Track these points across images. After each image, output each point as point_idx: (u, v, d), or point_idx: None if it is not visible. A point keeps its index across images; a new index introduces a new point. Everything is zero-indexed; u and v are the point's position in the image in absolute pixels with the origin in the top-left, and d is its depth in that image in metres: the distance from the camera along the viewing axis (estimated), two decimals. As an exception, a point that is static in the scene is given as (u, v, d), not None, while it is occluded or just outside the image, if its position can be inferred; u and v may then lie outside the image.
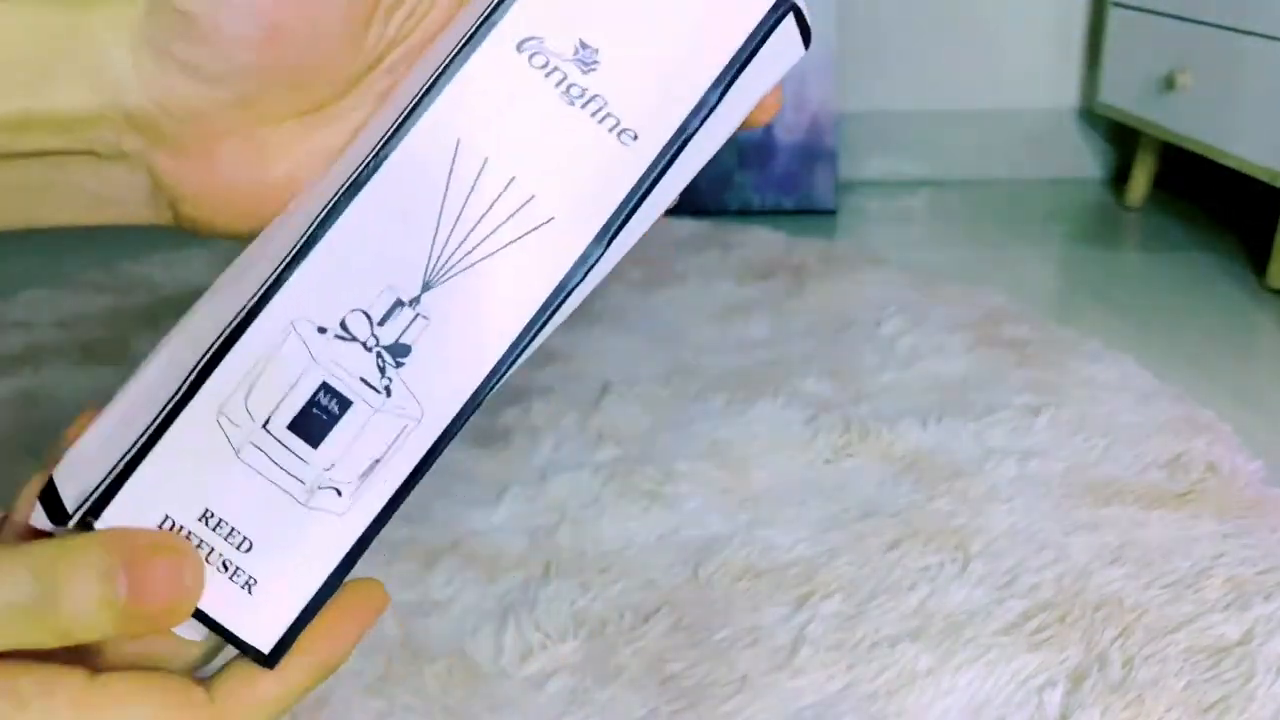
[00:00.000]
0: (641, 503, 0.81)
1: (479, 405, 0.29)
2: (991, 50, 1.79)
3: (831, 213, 1.65)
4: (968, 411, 0.94)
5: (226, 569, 0.28)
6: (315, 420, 0.28)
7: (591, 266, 0.29)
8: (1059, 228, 1.62)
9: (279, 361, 0.28)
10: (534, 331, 0.29)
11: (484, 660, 0.64)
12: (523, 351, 0.29)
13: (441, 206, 0.29)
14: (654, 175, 0.30)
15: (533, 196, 0.29)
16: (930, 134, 1.81)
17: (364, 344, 0.28)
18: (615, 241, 0.30)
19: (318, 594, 0.28)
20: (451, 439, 0.29)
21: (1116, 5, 1.61)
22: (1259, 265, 1.36)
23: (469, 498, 0.81)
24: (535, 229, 0.29)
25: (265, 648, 0.28)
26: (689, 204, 1.56)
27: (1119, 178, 1.80)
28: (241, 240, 0.31)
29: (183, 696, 0.27)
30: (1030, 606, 0.68)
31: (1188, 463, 0.85)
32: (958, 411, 0.94)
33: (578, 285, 0.29)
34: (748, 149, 1.65)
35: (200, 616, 0.27)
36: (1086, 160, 1.84)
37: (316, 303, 0.28)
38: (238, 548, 0.28)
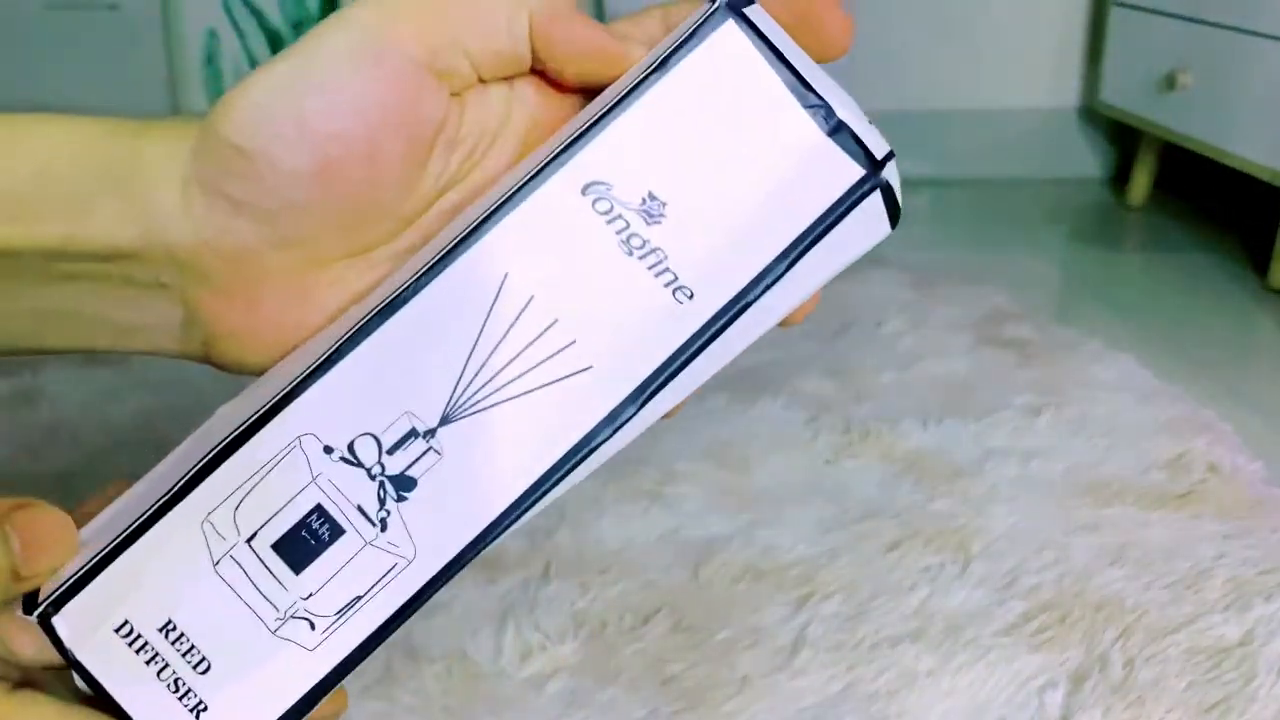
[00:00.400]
0: (641, 503, 0.81)
1: (475, 556, 0.27)
2: (992, 50, 1.79)
3: (832, 212, 1.65)
4: (968, 412, 0.94)
5: (177, 689, 0.26)
6: (302, 544, 0.26)
7: (620, 427, 0.27)
8: (1059, 228, 1.62)
9: (277, 476, 0.26)
10: (546, 487, 0.27)
11: (484, 660, 0.64)
12: (532, 506, 0.27)
13: (477, 339, 0.27)
14: (703, 339, 0.28)
15: (573, 342, 0.27)
16: (930, 134, 1.80)
17: (369, 471, 0.27)
18: (651, 404, 0.28)
19: None
20: (440, 587, 0.27)
21: (1117, 4, 1.61)
22: (1260, 265, 1.36)
23: (469, 498, 0.81)
24: (569, 376, 0.27)
25: None
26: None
27: (1119, 178, 1.80)
28: None
29: None
30: (1031, 607, 0.68)
31: (1188, 463, 0.85)
32: (958, 412, 0.94)
33: (602, 444, 0.27)
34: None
35: None
36: (1087, 160, 1.83)
37: (328, 420, 0.27)
38: (194, 667, 0.26)
